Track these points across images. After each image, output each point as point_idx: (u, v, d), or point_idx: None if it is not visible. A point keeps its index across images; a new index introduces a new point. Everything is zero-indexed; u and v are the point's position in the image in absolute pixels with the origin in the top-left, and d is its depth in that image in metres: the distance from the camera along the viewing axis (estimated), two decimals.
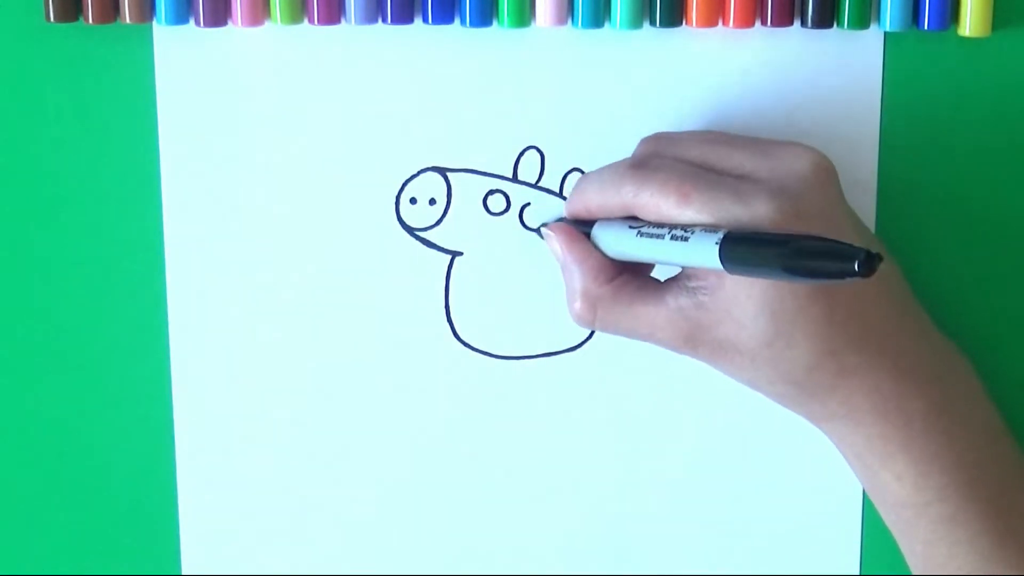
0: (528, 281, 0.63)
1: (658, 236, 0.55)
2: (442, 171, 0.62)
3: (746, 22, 0.59)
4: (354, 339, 0.63)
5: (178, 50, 0.60)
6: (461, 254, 0.63)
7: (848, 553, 0.65)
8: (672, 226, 0.54)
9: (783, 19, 0.59)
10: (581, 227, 0.59)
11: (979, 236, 0.62)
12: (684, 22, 0.59)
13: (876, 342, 0.56)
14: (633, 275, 0.58)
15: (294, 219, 0.62)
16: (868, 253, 0.46)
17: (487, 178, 0.62)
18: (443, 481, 0.64)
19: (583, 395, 0.64)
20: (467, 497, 0.65)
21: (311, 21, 0.59)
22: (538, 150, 0.61)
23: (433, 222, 0.62)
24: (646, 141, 0.59)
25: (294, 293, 0.63)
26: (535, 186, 0.62)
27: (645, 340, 0.58)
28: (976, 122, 0.61)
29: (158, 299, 0.62)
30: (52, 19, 0.58)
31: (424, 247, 0.62)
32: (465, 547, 0.65)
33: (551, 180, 0.62)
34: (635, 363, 0.63)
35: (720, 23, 0.59)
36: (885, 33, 0.60)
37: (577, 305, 0.58)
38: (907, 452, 0.56)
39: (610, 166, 0.58)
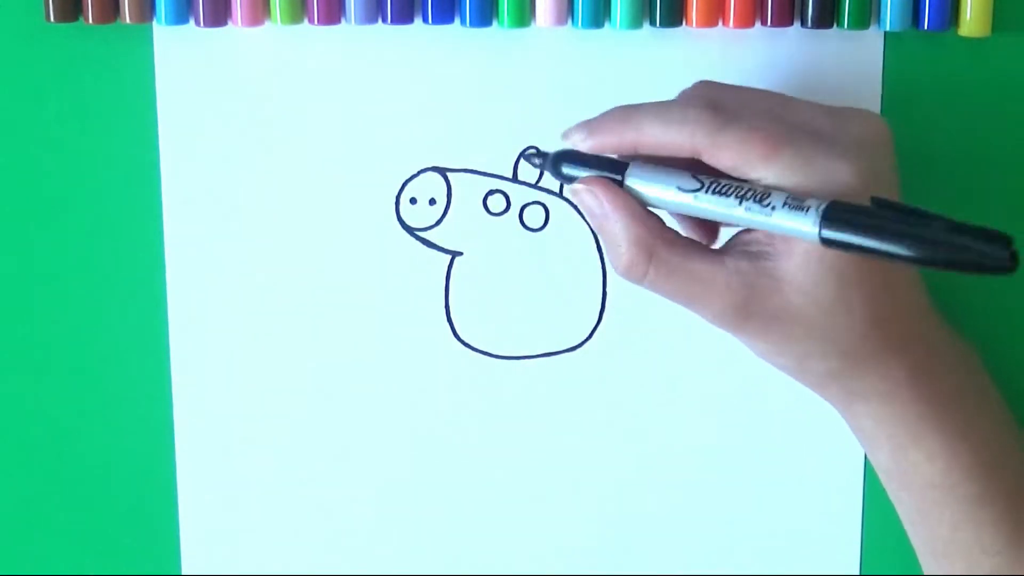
0: (528, 281, 0.63)
1: (725, 200, 0.51)
2: (442, 171, 0.62)
3: (746, 22, 0.59)
4: (354, 339, 0.63)
5: (178, 50, 0.60)
6: (461, 254, 0.63)
7: (848, 553, 0.65)
8: (740, 187, 0.51)
9: (783, 19, 0.59)
10: (608, 170, 0.54)
11: None
12: (684, 22, 0.59)
13: (918, 315, 0.55)
14: (681, 231, 0.55)
15: (294, 219, 0.62)
16: (1008, 240, 0.44)
17: (487, 178, 0.62)
18: (443, 481, 0.64)
19: (583, 395, 0.64)
20: (467, 497, 0.65)
21: (311, 21, 0.59)
22: (538, 150, 0.61)
23: (433, 222, 0.62)
24: (703, 84, 0.56)
25: (294, 293, 0.63)
26: (535, 186, 0.62)
27: (690, 304, 0.54)
28: (976, 122, 0.61)
29: (158, 299, 0.62)
30: (52, 19, 0.58)
31: (424, 247, 0.62)
32: (465, 547, 0.65)
33: (551, 180, 0.62)
34: (635, 363, 0.63)
35: (720, 23, 0.59)
36: (885, 33, 0.60)
37: (628, 256, 0.53)
38: (940, 431, 0.56)
39: (667, 103, 0.54)
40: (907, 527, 0.59)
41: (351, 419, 0.64)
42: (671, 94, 0.61)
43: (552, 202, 0.62)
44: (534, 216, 0.62)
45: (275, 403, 0.64)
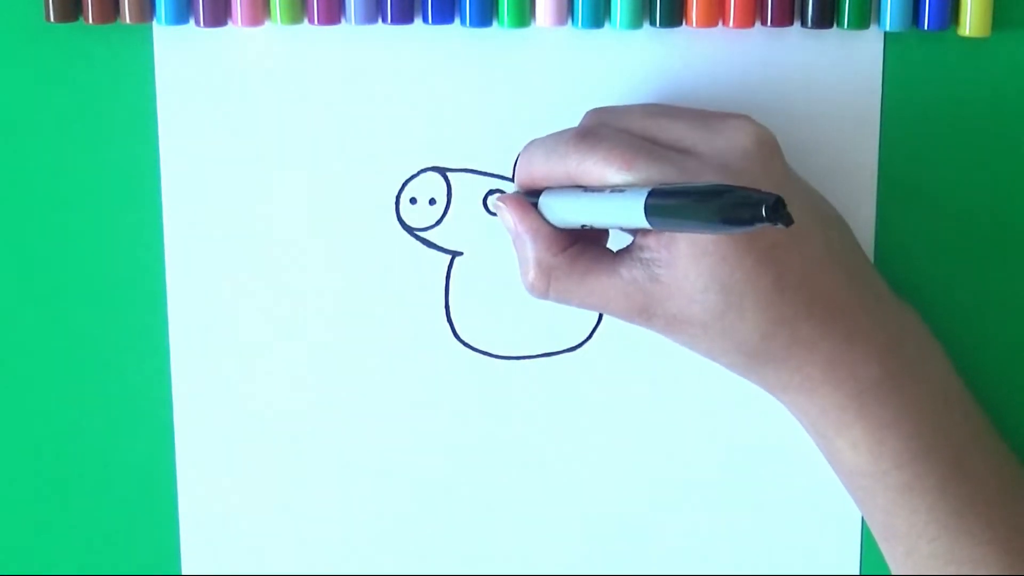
0: None
1: (599, 194, 0.54)
2: (442, 171, 0.62)
3: (746, 22, 0.59)
4: (354, 339, 0.63)
5: (178, 50, 0.60)
6: (461, 254, 0.63)
7: (848, 553, 0.65)
8: (613, 188, 0.54)
9: (783, 19, 0.59)
10: (530, 198, 0.58)
11: (979, 236, 0.62)
12: (684, 22, 0.59)
13: (828, 310, 0.56)
14: (586, 246, 0.58)
15: (294, 219, 0.62)
16: (777, 200, 0.46)
17: (487, 178, 0.62)
18: (443, 481, 0.64)
19: (583, 395, 0.64)
20: (467, 497, 0.65)
21: (311, 21, 0.59)
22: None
23: (433, 222, 0.62)
24: (591, 113, 0.59)
25: (294, 293, 0.63)
26: None
27: (598, 311, 0.58)
28: (976, 122, 0.61)
29: (158, 299, 0.62)
30: (52, 19, 0.58)
31: (424, 247, 0.62)
32: (465, 547, 0.65)
33: None
34: (635, 363, 0.63)
35: (720, 23, 0.59)
36: (885, 33, 0.60)
37: (531, 275, 0.58)
38: (862, 420, 0.56)
39: (555, 134, 0.58)
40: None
41: (351, 419, 0.64)
42: (671, 94, 0.61)
43: None
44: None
45: (275, 403, 0.64)
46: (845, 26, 0.59)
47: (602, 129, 0.57)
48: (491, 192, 0.62)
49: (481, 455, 0.64)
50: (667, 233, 0.54)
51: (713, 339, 0.56)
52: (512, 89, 0.61)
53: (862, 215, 0.61)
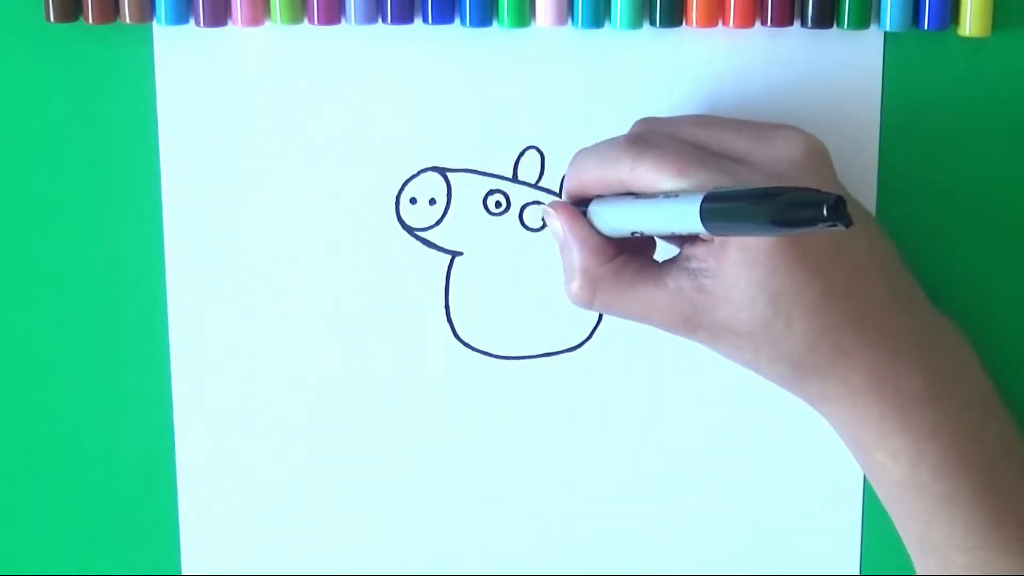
0: (528, 281, 0.63)
1: (651, 198, 0.54)
2: (442, 171, 0.62)
3: (746, 22, 0.59)
4: (354, 339, 0.63)
5: (178, 50, 0.60)
6: (461, 254, 0.63)
7: (848, 553, 0.65)
8: (665, 193, 0.54)
9: (783, 19, 0.59)
10: (579, 206, 0.58)
11: (979, 236, 0.62)
12: (684, 22, 0.59)
13: (872, 321, 0.56)
14: (633, 256, 0.57)
15: (294, 219, 0.62)
16: (838, 199, 0.46)
17: (487, 178, 0.62)
18: (443, 481, 0.64)
19: (583, 395, 0.64)
20: (467, 497, 0.65)
21: (311, 21, 0.59)
22: (538, 150, 0.61)
23: (433, 222, 0.62)
24: (641, 122, 0.59)
25: (294, 293, 0.63)
26: (535, 186, 0.62)
27: (643, 322, 0.57)
28: (976, 122, 0.61)
29: (158, 299, 0.62)
30: (52, 19, 0.58)
31: (424, 247, 0.62)
32: (465, 547, 0.65)
33: (551, 180, 0.62)
34: (635, 363, 0.63)
35: (720, 23, 0.59)
36: (885, 33, 0.60)
37: (576, 284, 0.57)
38: (903, 431, 0.56)
39: (606, 141, 0.57)
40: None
41: (351, 419, 0.64)
42: (671, 94, 0.61)
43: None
44: (534, 216, 0.62)
45: (275, 403, 0.64)
46: (845, 26, 0.59)
47: (653, 136, 0.57)
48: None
49: (481, 455, 0.64)
50: (716, 242, 0.54)
51: (759, 349, 0.55)
52: (512, 89, 0.61)
53: None
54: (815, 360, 0.56)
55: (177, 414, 0.64)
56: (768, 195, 0.48)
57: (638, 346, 0.63)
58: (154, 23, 0.59)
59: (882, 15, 0.59)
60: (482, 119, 0.61)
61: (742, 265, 0.54)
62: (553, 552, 0.65)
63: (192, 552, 0.65)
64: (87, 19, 0.58)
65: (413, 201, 0.62)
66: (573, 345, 0.63)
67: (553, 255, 0.62)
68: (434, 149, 0.62)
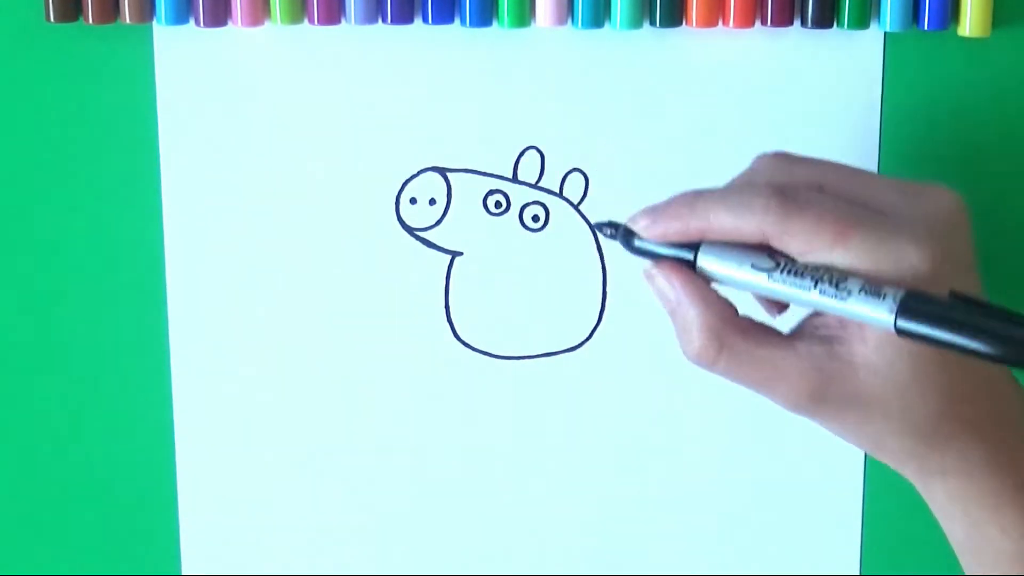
0: (528, 281, 0.63)
1: (800, 280, 0.51)
2: (442, 171, 0.62)
3: (746, 22, 0.59)
4: (354, 339, 0.63)
5: (178, 50, 0.60)
6: (461, 254, 0.63)
7: (848, 553, 0.65)
8: (816, 269, 0.50)
9: (783, 19, 0.59)
10: (677, 251, 0.53)
11: (979, 235, 0.62)
12: (684, 22, 0.59)
13: (996, 391, 0.55)
14: (753, 318, 0.54)
15: (294, 219, 0.62)
16: None
17: (487, 178, 0.62)
18: (443, 481, 0.64)
19: (583, 395, 0.64)
20: (467, 497, 0.65)
21: (311, 21, 0.59)
22: (538, 150, 0.62)
23: (433, 222, 0.62)
24: (769, 161, 0.55)
25: (294, 293, 0.63)
26: (535, 186, 0.62)
27: (763, 388, 0.53)
28: (976, 122, 0.61)
29: (158, 299, 0.62)
30: (52, 19, 0.58)
31: (424, 247, 0.62)
32: (465, 547, 0.65)
33: (551, 180, 0.62)
34: (635, 363, 0.63)
35: (720, 23, 0.59)
36: (885, 33, 0.60)
37: (700, 342, 0.53)
38: (1014, 504, 0.55)
39: (738, 188, 0.53)
40: None
41: (351, 419, 0.64)
42: (671, 94, 0.61)
43: (552, 202, 0.62)
44: (534, 216, 0.62)
45: (275, 403, 0.64)
46: (845, 26, 0.59)
47: (804, 191, 0.52)
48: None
49: (481, 455, 0.64)
50: None
51: (889, 419, 0.53)
52: (512, 89, 0.61)
53: None
54: (941, 431, 0.54)
55: (177, 414, 0.64)
56: (995, 330, 0.47)
57: (638, 346, 0.63)
58: (154, 23, 0.59)
59: (882, 15, 0.59)
60: (482, 119, 0.61)
61: (882, 333, 0.51)
62: (553, 552, 0.65)
63: (192, 552, 0.65)
64: (87, 19, 0.58)
65: (413, 201, 0.62)
66: (573, 345, 0.63)
67: (554, 255, 0.62)
68: (434, 149, 0.62)
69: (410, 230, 0.62)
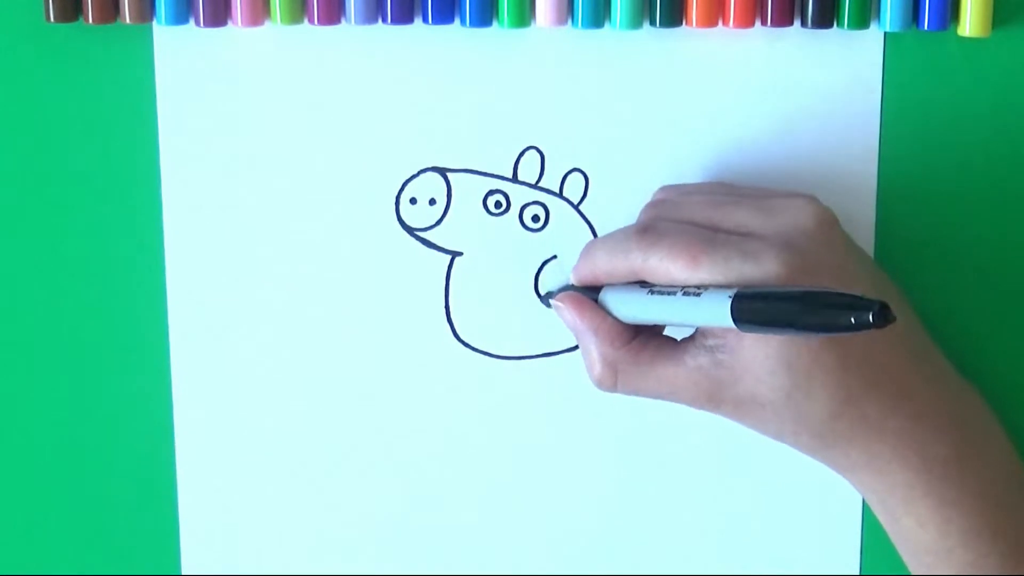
0: (528, 281, 0.63)
1: (670, 294, 0.55)
2: (442, 171, 0.62)
3: (746, 22, 0.59)
4: (354, 339, 0.63)
5: (178, 50, 0.60)
6: (461, 254, 0.63)
7: (848, 553, 0.65)
8: (683, 287, 0.54)
9: (783, 19, 0.59)
10: (590, 293, 0.58)
11: (979, 236, 0.62)
12: (684, 22, 0.59)
13: (893, 388, 0.56)
14: (649, 336, 0.58)
15: (294, 219, 0.62)
16: (882, 305, 0.46)
17: (487, 178, 0.62)
18: (443, 481, 0.64)
19: (583, 395, 0.64)
20: (467, 497, 0.65)
21: (311, 21, 0.59)
22: (538, 150, 0.62)
23: (433, 222, 0.62)
24: (649, 207, 0.60)
25: (294, 293, 0.63)
26: (535, 186, 0.62)
27: (668, 399, 0.58)
28: (976, 122, 0.61)
29: (158, 299, 0.62)
30: (52, 19, 0.58)
31: (424, 247, 0.62)
32: (465, 547, 0.65)
33: (551, 180, 0.62)
34: None
35: (720, 23, 0.59)
36: (885, 33, 0.60)
37: (597, 370, 0.58)
38: (929, 498, 0.56)
39: (616, 232, 0.58)
40: None
41: (351, 419, 0.64)
42: (671, 94, 0.61)
43: (552, 202, 0.62)
44: (534, 216, 0.62)
45: (275, 403, 0.64)
46: (845, 26, 0.59)
47: (661, 224, 0.57)
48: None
49: (481, 455, 0.64)
50: None
51: (783, 421, 0.56)
52: (512, 89, 0.61)
53: (862, 215, 0.61)
54: (838, 430, 0.56)
55: (177, 414, 0.64)
56: (807, 300, 0.49)
57: None
58: (154, 23, 0.59)
59: (882, 15, 0.59)
60: (482, 119, 0.61)
61: (758, 340, 0.54)
62: (553, 552, 0.65)
63: (192, 552, 0.65)
64: (87, 19, 0.58)
65: (413, 201, 0.62)
66: (573, 345, 0.63)
67: (553, 255, 0.62)
68: (434, 149, 0.62)
69: (410, 230, 0.62)
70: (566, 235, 0.62)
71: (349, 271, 0.62)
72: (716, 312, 0.52)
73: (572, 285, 0.60)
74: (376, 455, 0.64)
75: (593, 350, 0.58)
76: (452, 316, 0.63)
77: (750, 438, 0.63)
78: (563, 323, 0.59)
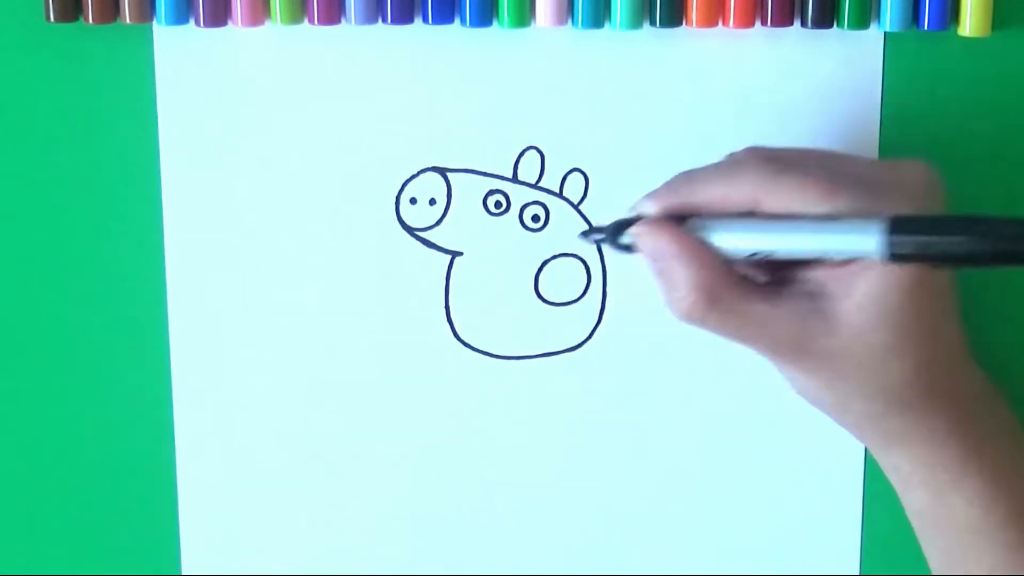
0: (528, 281, 0.63)
1: (795, 221, 0.52)
2: (442, 171, 0.62)
3: (746, 22, 0.59)
4: (354, 339, 0.63)
5: (178, 50, 0.60)
6: (461, 254, 0.63)
7: (848, 553, 0.65)
8: (815, 216, 0.52)
9: (783, 19, 0.59)
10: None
11: None
12: (684, 22, 0.59)
13: (957, 359, 0.56)
14: (742, 272, 0.55)
15: (294, 219, 0.62)
16: None
17: (487, 178, 0.62)
18: (443, 481, 0.64)
19: (583, 395, 0.64)
20: (467, 497, 0.65)
21: (311, 21, 0.59)
22: (538, 150, 0.62)
23: (433, 222, 0.62)
24: (753, 148, 0.57)
25: (294, 293, 0.63)
26: (535, 186, 0.62)
27: (750, 342, 0.55)
28: (976, 122, 0.61)
29: (158, 299, 0.62)
30: (52, 19, 0.58)
31: (424, 247, 0.62)
32: (465, 547, 0.65)
33: (551, 180, 0.62)
34: (635, 363, 0.63)
35: (720, 23, 0.59)
36: (885, 33, 0.60)
37: (691, 299, 0.54)
38: (980, 475, 0.56)
39: (725, 161, 0.56)
40: (937, 569, 0.59)
41: (351, 419, 0.64)
42: (671, 94, 0.61)
43: (552, 202, 0.62)
44: (534, 216, 0.62)
45: (275, 403, 0.64)
46: (845, 26, 0.59)
47: (788, 155, 0.55)
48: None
49: (481, 455, 0.64)
50: (847, 268, 0.53)
51: (864, 380, 0.54)
52: (512, 89, 0.61)
53: None
54: (909, 395, 0.54)
55: (177, 414, 0.64)
56: (976, 226, 0.48)
57: (638, 346, 0.63)
58: (154, 23, 0.59)
59: (882, 15, 0.59)
60: (482, 119, 0.61)
61: (879, 291, 0.53)
62: (553, 552, 0.65)
63: (192, 552, 0.65)
64: (87, 19, 0.58)
65: (413, 201, 0.62)
66: (573, 345, 0.63)
67: (553, 255, 0.62)
68: (434, 149, 0.62)
69: (410, 230, 0.62)
70: (566, 235, 0.62)
71: (349, 271, 0.62)
72: (858, 240, 0.50)
73: (634, 219, 0.56)
74: (376, 455, 0.64)
75: (687, 277, 0.54)
76: (452, 316, 0.63)
77: (750, 438, 0.63)
78: (643, 250, 0.55)
